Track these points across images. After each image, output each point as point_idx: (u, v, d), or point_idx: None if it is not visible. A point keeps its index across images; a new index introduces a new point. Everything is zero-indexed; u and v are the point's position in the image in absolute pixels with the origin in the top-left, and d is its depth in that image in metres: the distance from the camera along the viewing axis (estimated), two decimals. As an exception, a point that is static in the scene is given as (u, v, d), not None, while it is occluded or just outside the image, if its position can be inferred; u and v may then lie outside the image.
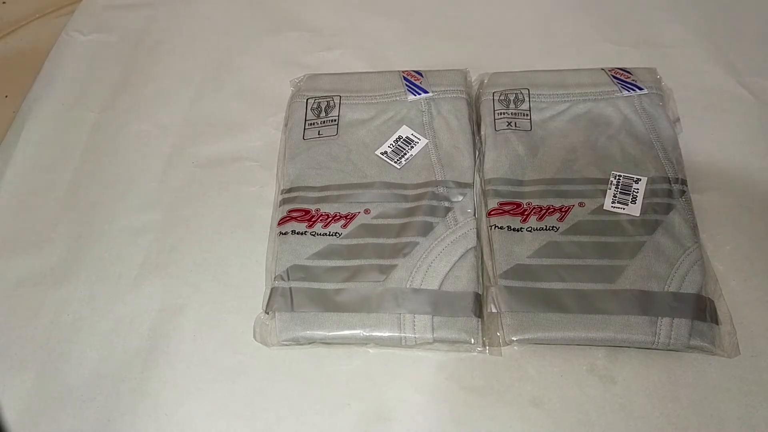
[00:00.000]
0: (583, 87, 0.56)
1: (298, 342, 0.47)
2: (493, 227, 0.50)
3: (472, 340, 0.46)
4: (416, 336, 0.46)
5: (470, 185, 0.52)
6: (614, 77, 0.57)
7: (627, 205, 0.50)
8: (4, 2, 0.77)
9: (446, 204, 0.51)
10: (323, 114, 0.57)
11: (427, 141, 0.55)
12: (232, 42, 0.69)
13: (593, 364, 0.45)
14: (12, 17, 0.75)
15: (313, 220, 0.51)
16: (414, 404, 0.44)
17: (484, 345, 0.46)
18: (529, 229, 0.49)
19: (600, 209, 0.50)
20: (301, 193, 0.53)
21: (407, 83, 0.58)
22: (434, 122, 0.56)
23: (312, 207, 0.52)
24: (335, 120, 0.57)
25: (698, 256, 0.47)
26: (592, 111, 0.55)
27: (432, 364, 0.46)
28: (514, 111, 0.56)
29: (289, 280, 0.48)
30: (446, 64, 0.61)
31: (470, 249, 0.49)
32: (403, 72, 0.59)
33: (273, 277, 0.49)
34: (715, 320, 0.45)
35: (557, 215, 0.50)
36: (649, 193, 0.50)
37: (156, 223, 0.55)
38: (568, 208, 0.50)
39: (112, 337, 0.49)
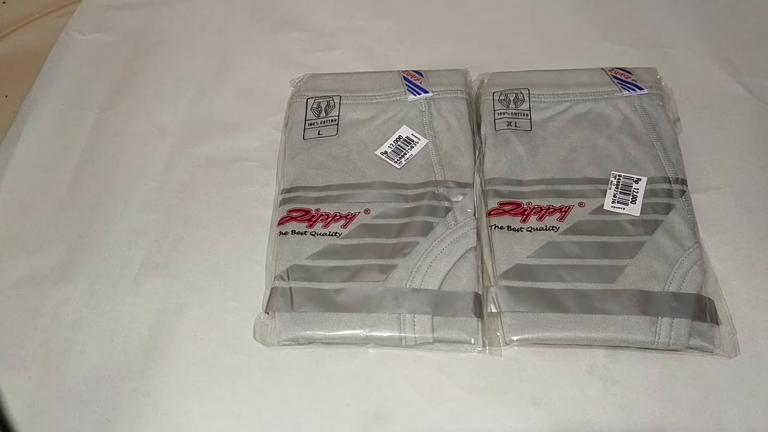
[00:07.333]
0: (583, 87, 0.56)
1: (298, 342, 0.47)
2: (493, 227, 0.50)
3: (472, 340, 0.46)
4: (416, 336, 0.46)
5: (470, 185, 0.52)
6: (614, 77, 0.57)
7: (627, 205, 0.50)
8: (4, 2, 0.77)
9: (446, 204, 0.51)
10: (323, 114, 0.57)
11: (427, 141, 0.55)
12: (232, 42, 0.69)
13: (593, 364, 0.45)
14: (12, 17, 0.75)
15: (313, 220, 0.51)
16: (414, 404, 0.44)
17: (484, 345, 0.46)
18: (529, 229, 0.49)
19: (600, 209, 0.50)
20: (301, 193, 0.53)
21: (407, 83, 0.58)
22: (434, 122, 0.56)
23: (312, 207, 0.52)
24: (335, 120, 0.57)
25: (698, 256, 0.47)
26: (592, 111, 0.55)
27: (432, 364, 0.46)
28: (514, 111, 0.56)
29: (289, 280, 0.48)
30: (446, 64, 0.61)
31: (470, 249, 0.48)
32: (403, 72, 0.59)
33: (273, 277, 0.49)
34: (715, 320, 0.45)
35: (557, 215, 0.50)
36: (649, 193, 0.50)
37: (156, 223, 0.55)
38: (568, 208, 0.50)
39: (112, 337, 0.49)
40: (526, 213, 0.50)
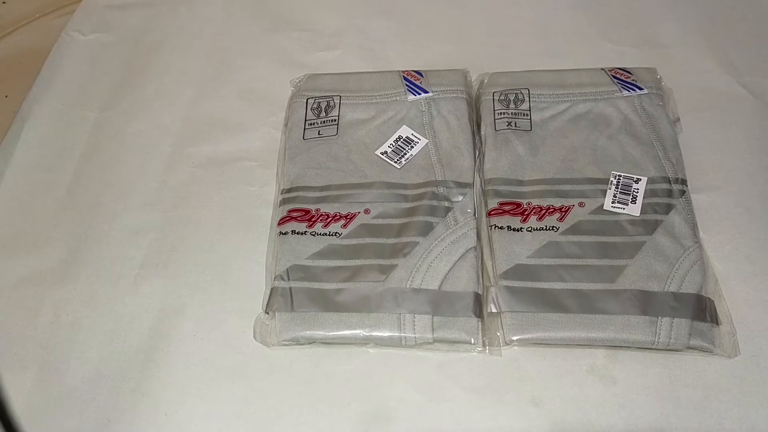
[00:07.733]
0: (583, 87, 0.56)
1: (298, 342, 0.47)
2: (493, 227, 0.50)
3: (472, 340, 0.46)
4: (416, 336, 0.46)
5: (470, 185, 0.52)
6: (614, 77, 0.57)
7: (627, 205, 0.50)
8: (4, 2, 0.77)
9: (446, 204, 0.51)
10: (323, 114, 0.57)
11: (427, 141, 0.55)
12: (232, 42, 0.69)
13: (593, 364, 0.45)
14: (12, 17, 0.75)
15: (313, 220, 0.51)
16: (414, 404, 0.44)
17: (484, 345, 0.46)
18: (529, 229, 0.49)
19: (600, 209, 0.50)
20: (301, 193, 0.53)
21: (407, 83, 0.58)
22: (434, 122, 0.56)
23: (312, 207, 0.52)
24: (335, 120, 0.57)
25: (698, 256, 0.47)
26: (592, 111, 0.55)
27: (432, 364, 0.46)
28: (514, 111, 0.56)
29: (289, 280, 0.48)
30: (446, 64, 0.61)
31: (470, 249, 0.48)
32: (403, 72, 0.59)
33: (273, 277, 0.49)
34: (715, 320, 0.45)
35: (557, 215, 0.50)
36: (649, 193, 0.50)
37: (156, 223, 0.55)
38: (568, 208, 0.50)
39: (112, 337, 0.49)
40: (526, 213, 0.50)
